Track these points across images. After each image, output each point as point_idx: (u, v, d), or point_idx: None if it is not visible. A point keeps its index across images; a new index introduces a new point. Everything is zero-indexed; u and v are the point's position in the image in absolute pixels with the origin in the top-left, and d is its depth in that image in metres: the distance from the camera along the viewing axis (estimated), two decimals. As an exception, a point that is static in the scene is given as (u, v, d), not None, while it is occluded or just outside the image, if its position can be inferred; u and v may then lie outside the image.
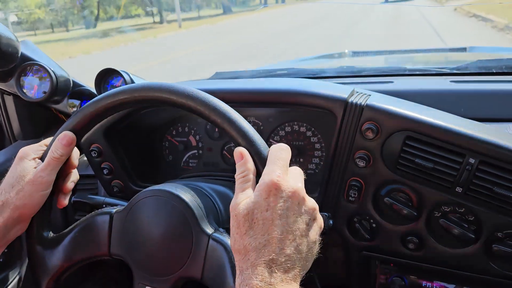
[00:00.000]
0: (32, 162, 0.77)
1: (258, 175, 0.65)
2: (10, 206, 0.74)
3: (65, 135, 0.78)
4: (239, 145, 0.68)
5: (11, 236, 0.77)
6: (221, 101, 0.71)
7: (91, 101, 0.79)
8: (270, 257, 0.57)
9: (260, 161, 0.66)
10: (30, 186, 0.75)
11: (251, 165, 0.65)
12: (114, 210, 0.83)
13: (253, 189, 0.63)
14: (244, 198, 0.62)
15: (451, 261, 0.95)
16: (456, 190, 0.89)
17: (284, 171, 0.62)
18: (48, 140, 0.82)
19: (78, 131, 0.80)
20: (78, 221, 0.83)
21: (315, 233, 0.63)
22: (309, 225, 0.61)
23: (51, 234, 0.83)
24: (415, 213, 0.94)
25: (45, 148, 0.80)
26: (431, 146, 0.90)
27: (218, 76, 1.63)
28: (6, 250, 1.19)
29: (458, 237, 0.92)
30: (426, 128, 0.90)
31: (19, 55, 0.97)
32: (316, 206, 0.64)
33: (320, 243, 0.64)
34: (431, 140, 0.90)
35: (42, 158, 0.79)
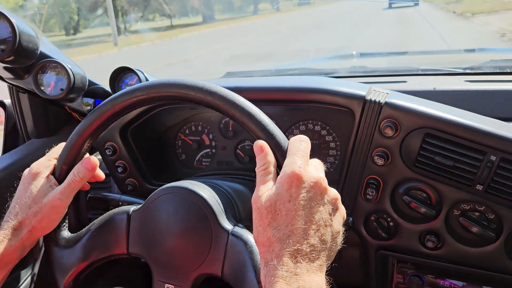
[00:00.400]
0: (45, 180, 0.78)
1: (279, 167, 0.65)
2: (28, 227, 0.75)
3: (89, 160, 0.79)
4: (258, 138, 0.68)
5: (26, 252, 0.78)
6: (239, 95, 0.71)
7: (107, 99, 0.78)
8: (295, 248, 0.56)
9: (280, 153, 0.66)
10: (49, 209, 0.76)
11: (271, 157, 0.65)
12: (132, 209, 0.82)
13: (275, 181, 0.62)
14: (266, 190, 0.62)
15: (471, 260, 0.94)
16: (477, 188, 0.89)
17: (304, 161, 0.62)
18: (55, 152, 0.82)
19: (95, 131, 0.79)
20: (95, 220, 0.83)
21: (338, 223, 0.62)
22: (332, 215, 0.61)
23: (68, 233, 0.83)
24: (434, 211, 0.94)
25: (54, 161, 0.81)
26: (451, 144, 0.90)
27: (230, 75, 1.63)
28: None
29: (478, 236, 0.91)
30: (446, 126, 0.89)
31: (39, 52, 0.97)
32: (338, 196, 0.63)
33: (344, 233, 0.64)
34: (451, 138, 0.89)
35: (54, 174, 0.79)
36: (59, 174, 0.80)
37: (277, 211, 0.59)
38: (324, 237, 0.59)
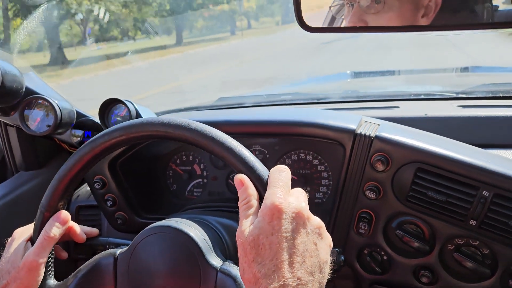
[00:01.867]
0: (22, 242, 0.78)
1: (261, 199, 0.64)
2: None
3: (59, 216, 0.78)
4: (239, 171, 0.67)
5: None
6: (218, 130, 0.71)
7: (86, 143, 0.78)
8: (281, 283, 0.55)
9: (261, 186, 0.66)
10: (26, 272, 0.75)
11: (252, 190, 0.65)
12: (118, 251, 0.81)
13: (256, 215, 0.61)
14: (248, 224, 0.61)
15: None
16: (470, 223, 0.87)
17: (285, 192, 0.61)
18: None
19: (76, 175, 0.78)
20: (81, 266, 0.82)
21: (324, 253, 0.61)
22: (317, 245, 0.60)
23: (54, 282, 0.81)
24: (427, 246, 0.92)
25: (30, 227, 0.81)
26: (443, 179, 0.89)
27: (222, 101, 1.62)
28: None
29: (472, 271, 0.90)
30: (437, 160, 0.88)
31: (23, 91, 0.96)
32: (322, 224, 0.62)
33: (331, 263, 0.62)
34: (443, 172, 0.88)
35: (32, 240, 0.79)
36: (42, 221, 0.78)
37: (260, 246, 0.58)
38: (310, 268, 0.57)
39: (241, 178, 0.65)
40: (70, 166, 0.77)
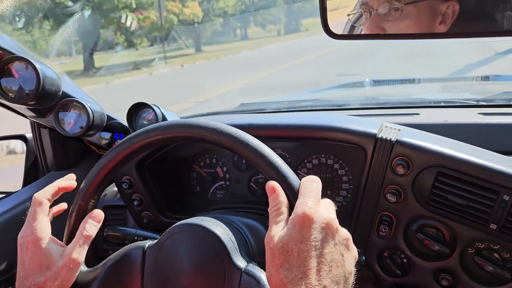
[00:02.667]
0: (52, 243, 0.76)
1: (290, 207, 0.66)
2: None
3: (95, 214, 0.80)
4: (271, 178, 0.69)
5: None
6: (252, 136, 0.73)
7: (125, 139, 0.81)
8: None
9: (292, 194, 0.67)
10: (67, 272, 0.75)
11: (283, 198, 0.67)
12: (147, 245, 0.84)
13: (287, 222, 0.63)
14: (278, 231, 0.63)
15: None
16: (491, 227, 0.89)
17: (316, 202, 0.63)
18: (45, 211, 0.79)
19: (112, 169, 0.81)
20: (111, 256, 0.85)
21: (350, 264, 0.63)
22: (344, 256, 0.62)
23: (85, 268, 0.84)
24: (448, 250, 0.93)
25: (48, 223, 0.80)
26: (464, 183, 0.90)
27: (243, 107, 1.66)
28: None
29: (493, 275, 0.91)
30: (458, 164, 0.90)
31: (60, 93, 1.01)
32: (349, 236, 0.64)
33: (355, 274, 0.64)
34: (463, 177, 0.90)
35: (68, 227, 0.80)
36: (78, 210, 0.81)
37: (289, 252, 0.59)
38: (336, 278, 0.59)
39: (273, 185, 0.67)
40: (108, 160, 0.80)
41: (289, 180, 0.69)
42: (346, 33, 0.81)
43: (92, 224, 0.79)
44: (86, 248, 0.78)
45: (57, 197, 0.83)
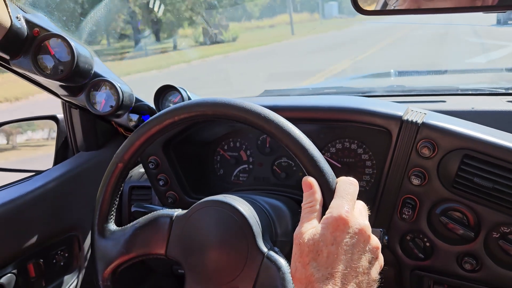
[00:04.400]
0: None
1: (324, 206, 0.66)
2: None
3: None
4: (308, 172, 0.70)
5: None
6: (294, 126, 0.73)
7: (168, 109, 0.82)
8: None
9: (327, 193, 0.67)
10: None
11: (318, 196, 0.67)
12: (175, 214, 0.86)
13: (319, 220, 0.64)
14: (309, 227, 0.63)
15: (511, 284, 0.93)
16: None
17: (352, 206, 0.63)
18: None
19: (154, 135, 0.83)
20: (140, 218, 0.88)
21: (376, 272, 0.63)
22: (371, 264, 0.62)
23: (114, 227, 0.88)
24: (472, 233, 0.93)
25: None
26: (491, 165, 0.89)
27: (268, 93, 1.67)
28: (66, 255, 1.27)
29: (518, 260, 0.90)
30: (485, 147, 0.89)
31: (93, 71, 1.05)
32: (379, 245, 0.64)
33: (379, 281, 0.64)
34: (490, 159, 0.89)
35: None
36: (114, 170, 0.85)
37: (319, 252, 0.60)
38: (361, 284, 0.59)
39: (310, 182, 0.68)
40: (150, 127, 0.82)
41: (326, 177, 0.68)
42: (378, 8, 0.80)
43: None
44: None
45: None
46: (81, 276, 1.32)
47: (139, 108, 1.32)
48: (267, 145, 1.29)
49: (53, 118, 1.44)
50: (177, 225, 0.84)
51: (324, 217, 0.63)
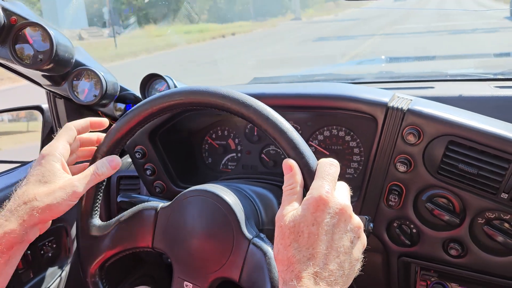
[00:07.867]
0: (57, 162, 0.76)
1: (305, 188, 0.66)
2: (34, 207, 0.71)
3: (113, 159, 0.80)
4: (288, 156, 0.69)
5: (30, 237, 0.74)
6: (274, 110, 0.72)
7: (146, 100, 0.81)
8: (315, 270, 0.57)
9: (308, 175, 0.67)
10: (62, 193, 0.73)
11: (299, 177, 0.66)
12: (160, 205, 0.86)
13: (299, 202, 0.64)
14: (290, 210, 0.63)
15: (496, 270, 0.93)
16: (502, 196, 0.88)
17: (332, 187, 0.63)
18: (65, 135, 0.80)
19: (134, 127, 0.82)
20: (125, 212, 0.87)
21: (358, 251, 0.63)
22: (353, 243, 0.62)
23: (99, 222, 0.87)
24: (457, 219, 0.93)
25: (66, 146, 0.79)
26: (475, 151, 0.89)
27: (257, 81, 1.66)
28: (54, 246, 1.26)
29: (503, 245, 0.90)
30: (470, 133, 0.89)
31: (74, 60, 1.03)
32: (361, 224, 0.64)
33: (362, 261, 0.64)
34: (475, 145, 0.89)
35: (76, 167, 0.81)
36: None
37: (299, 233, 0.60)
38: (343, 264, 0.59)
39: (290, 164, 0.67)
40: (128, 119, 0.81)
41: (307, 159, 0.68)
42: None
43: (105, 165, 0.79)
44: (90, 185, 0.77)
45: (87, 131, 0.85)
46: (69, 267, 1.32)
47: (125, 97, 1.31)
48: (255, 133, 1.28)
49: (38, 108, 1.42)
50: (162, 216, 0.84)
51: (304, 198, 0.62)
